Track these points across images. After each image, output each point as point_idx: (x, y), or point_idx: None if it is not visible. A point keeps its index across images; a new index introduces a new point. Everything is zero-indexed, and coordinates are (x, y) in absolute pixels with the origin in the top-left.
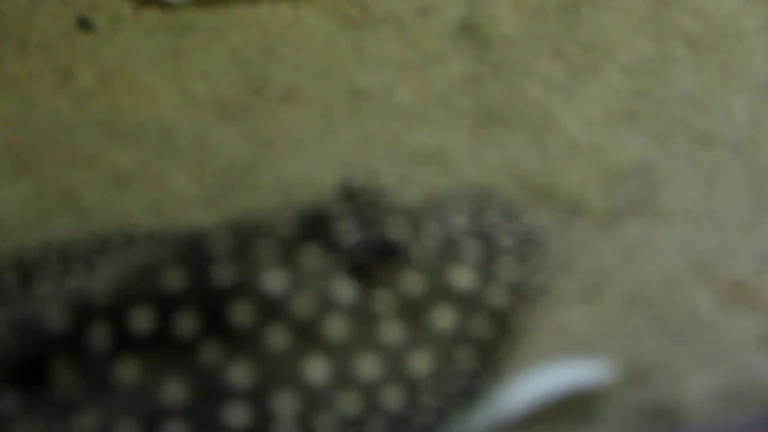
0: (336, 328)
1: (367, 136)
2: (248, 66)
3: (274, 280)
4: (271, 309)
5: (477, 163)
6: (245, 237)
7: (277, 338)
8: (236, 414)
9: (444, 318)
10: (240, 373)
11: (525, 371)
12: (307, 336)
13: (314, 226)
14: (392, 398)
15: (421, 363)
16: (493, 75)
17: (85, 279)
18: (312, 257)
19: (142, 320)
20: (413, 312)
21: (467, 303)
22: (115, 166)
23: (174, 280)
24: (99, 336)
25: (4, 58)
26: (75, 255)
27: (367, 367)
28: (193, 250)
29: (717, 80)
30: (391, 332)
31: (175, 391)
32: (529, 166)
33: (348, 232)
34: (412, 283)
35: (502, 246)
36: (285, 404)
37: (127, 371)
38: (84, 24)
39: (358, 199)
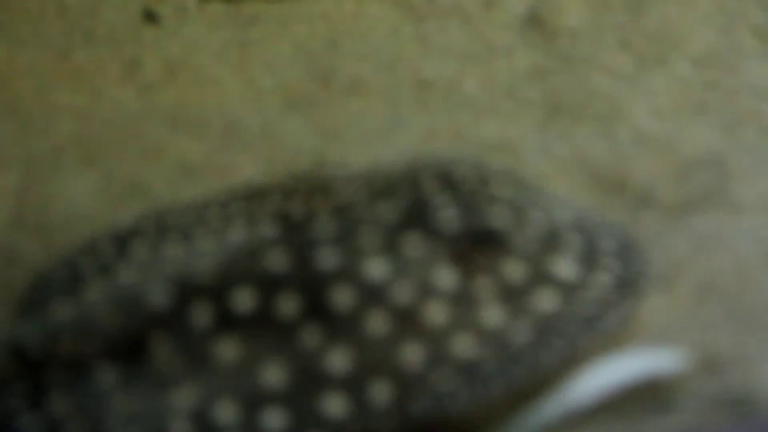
0: (436, 314)
1: (433, 127)
2: (313, 57)
3: (376, 267)
4: (373, 295)
5: (545, 154)
6: (349, 222)
7: (377, 324)
8: (333, 399)
9: (544, 303)
10: (339, 359)
11: (598, 360)
12: (407, 323)
13: (416, 213)
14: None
15: (518, 345)
16: (559, 67)
17: (186, 254)
18: (413, 244)
19: (244, 300)
20: (514, 297)
21: (568, 292)
22: (182, 157)
23: (278, 261)
24: (201, 314)
25: (71, 50)
26: (171, 224)
27: (466, 350)
28: (297, 233)
29: None
30: (491, 316)
31: (273, 372)
32: (598, 158)
33: (449, 219)
34: (514, 270)
35: (604, 243)
36: (382, 390)
37: (227, 350)
38: (150, 16)
39: (461, 187)
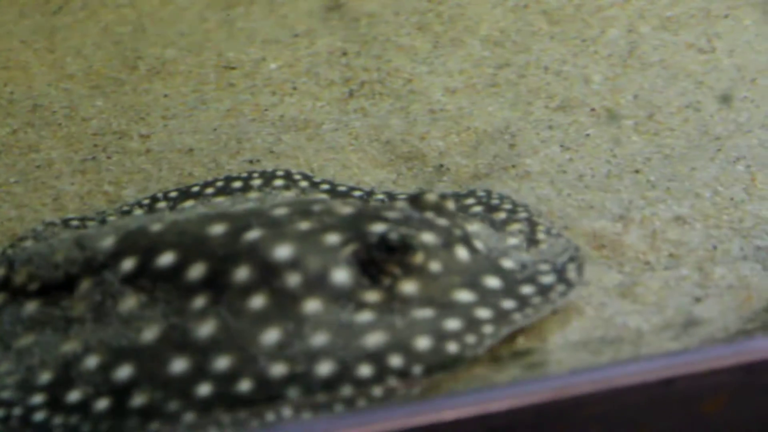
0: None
1: (236, 106)
2: (121, 43)
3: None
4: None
5: (344, 129)
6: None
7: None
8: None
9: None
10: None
11: None
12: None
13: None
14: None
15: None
16: (360, 49)
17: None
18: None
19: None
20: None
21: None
22: None
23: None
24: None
25: None
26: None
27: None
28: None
29: (575, 50)
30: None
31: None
32: (394, 132)
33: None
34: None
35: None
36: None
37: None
38: None
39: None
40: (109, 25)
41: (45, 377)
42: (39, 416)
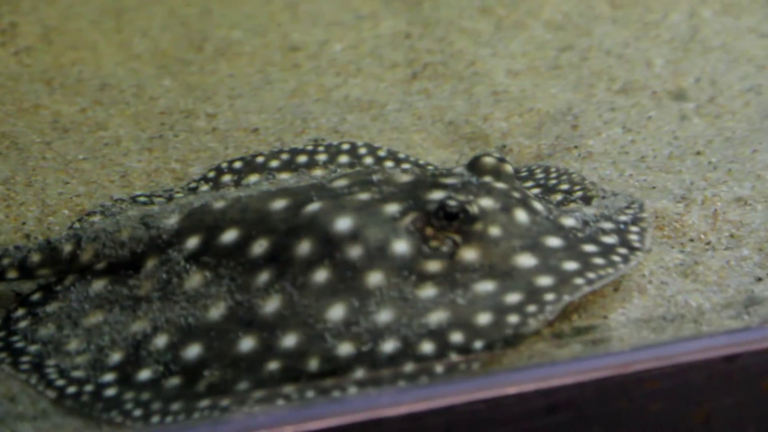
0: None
1: (300, 87)
2: (187, 24)
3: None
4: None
5: (407, 110)
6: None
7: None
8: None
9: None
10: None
11: None
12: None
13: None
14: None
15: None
16: (422, 32)
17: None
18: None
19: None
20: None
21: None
22: (56, 114)
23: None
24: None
25: None
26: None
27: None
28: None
29: (637, 34)
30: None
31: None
32: (457, 113)
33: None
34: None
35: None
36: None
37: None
38: None
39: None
40: (176, 7)
41: (116, 357)
42: (110, 392)
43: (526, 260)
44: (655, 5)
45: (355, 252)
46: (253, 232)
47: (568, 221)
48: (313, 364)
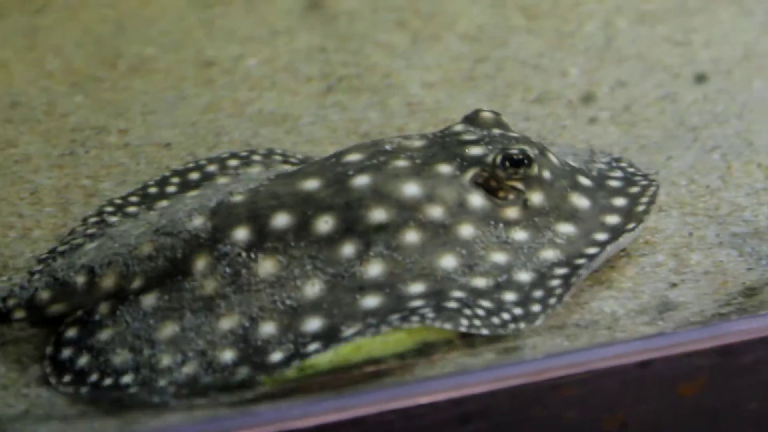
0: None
1: (214, 102)
2: (101, 41)
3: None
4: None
5: (322, 123)
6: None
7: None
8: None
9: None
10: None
11: None
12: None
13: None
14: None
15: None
16: (338, 46)
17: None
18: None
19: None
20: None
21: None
22: None
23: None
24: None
25: None
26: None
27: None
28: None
29: (552, 44)
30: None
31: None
32: (371, 125)
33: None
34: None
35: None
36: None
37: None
38: None
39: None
40: (90, 25)
41: (228, 355)
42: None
43: (580, 200)
44: (570, 15)
45: (437, 212)
46: (308, 211)
47: (574, 163)
48: (452, 302)
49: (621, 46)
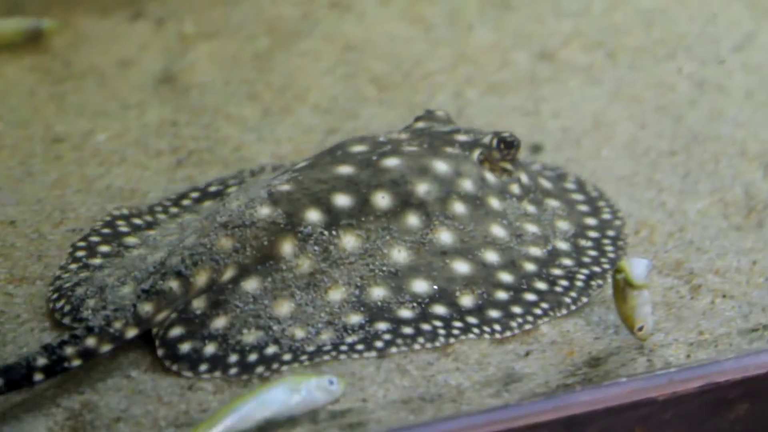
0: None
1: (62, 177)
2: None
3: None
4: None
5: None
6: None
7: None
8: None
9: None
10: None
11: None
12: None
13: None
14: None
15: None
16: (190, 119)
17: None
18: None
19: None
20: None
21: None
22: None
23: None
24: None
25: None
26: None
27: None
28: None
29: (403, 115)
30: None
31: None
32: None
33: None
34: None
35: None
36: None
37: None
38: None
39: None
40: None
41: (355, 318)
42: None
43: (545, 182)
44: (421, 87)
45: (468, 185)
46: (362, 190)
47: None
48: (526, 267)
49: (471, 116)
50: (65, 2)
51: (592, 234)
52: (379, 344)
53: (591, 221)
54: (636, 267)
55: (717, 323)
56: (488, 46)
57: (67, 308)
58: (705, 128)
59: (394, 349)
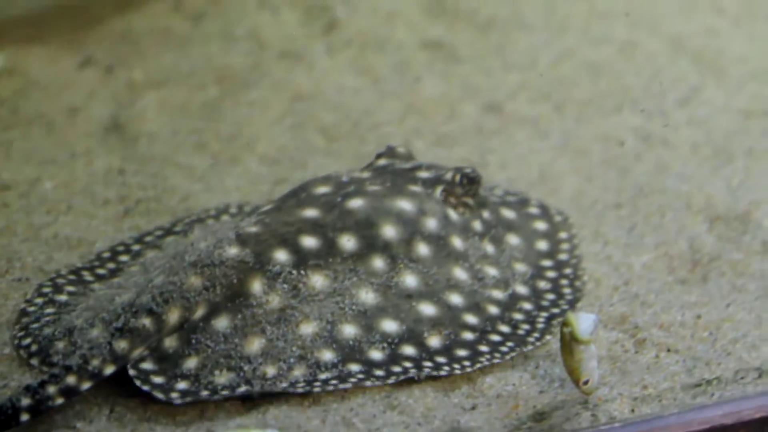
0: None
1: (8, 226)
2: None
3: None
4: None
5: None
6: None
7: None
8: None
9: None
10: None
11: None
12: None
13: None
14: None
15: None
16: (137, 168)
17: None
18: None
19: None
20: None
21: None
22: None
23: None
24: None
25: None
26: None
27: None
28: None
29: (351, 165)
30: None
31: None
32: None
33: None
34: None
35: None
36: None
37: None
38: None
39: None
40: None
41: (328, 355)
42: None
43: (509, 213)
44: (370, 137)
45: (432, 224)
46: (331, 232)
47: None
48: (489, 310)
49: None
50: (13, 47)
51: (550, 274)
52: (351, 381)
53: (548, 262)
54: (583, 322)
55: (661, 378)
56: (436, 97)
57: (34, 348)
58: (651, 181)
59: (368, 383)
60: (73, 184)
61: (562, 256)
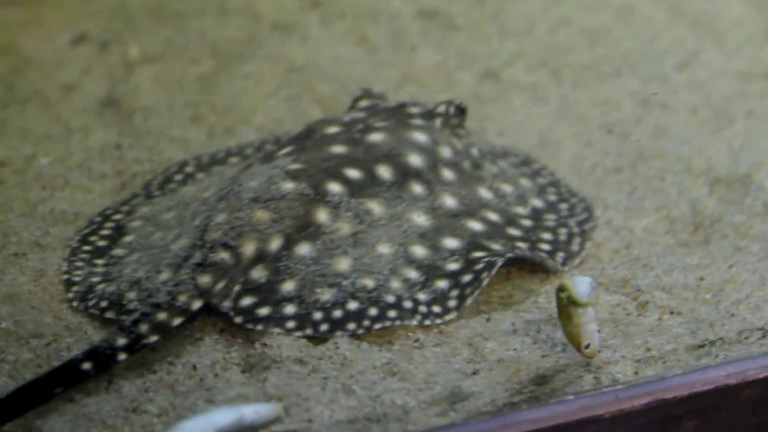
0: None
1: (5, 202)
2: None
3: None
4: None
5: None
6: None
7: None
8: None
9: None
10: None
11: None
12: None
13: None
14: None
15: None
16: (133, 142)
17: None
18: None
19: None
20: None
21: None
22: None
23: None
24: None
25: None
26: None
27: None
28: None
29: None
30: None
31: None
32: None
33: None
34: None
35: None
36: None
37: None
38: None
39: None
40: None
41: (414, 274)
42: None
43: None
44: None
45: (446, 152)
46: (367, 164)
47: None
48: (523, 223)
49: None
50: (7, 26)
51: (551, 189)
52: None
53: (543, 180)
54: (579, 285)
55: (664, 340)
56: (433, 66)
57: (104, 304)
58: (650, 145)
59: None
60: (69, 160)
61: (549, 178)
